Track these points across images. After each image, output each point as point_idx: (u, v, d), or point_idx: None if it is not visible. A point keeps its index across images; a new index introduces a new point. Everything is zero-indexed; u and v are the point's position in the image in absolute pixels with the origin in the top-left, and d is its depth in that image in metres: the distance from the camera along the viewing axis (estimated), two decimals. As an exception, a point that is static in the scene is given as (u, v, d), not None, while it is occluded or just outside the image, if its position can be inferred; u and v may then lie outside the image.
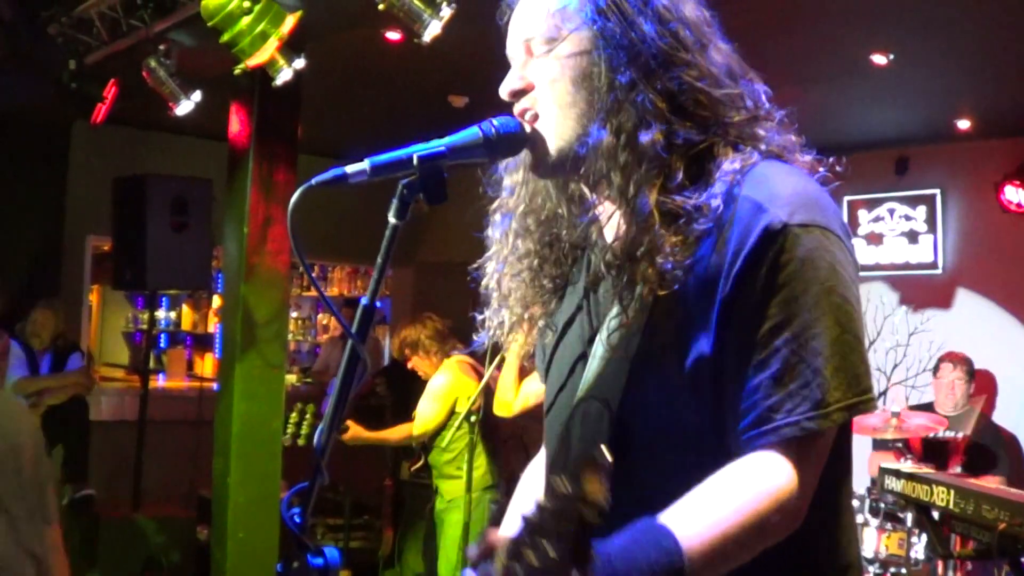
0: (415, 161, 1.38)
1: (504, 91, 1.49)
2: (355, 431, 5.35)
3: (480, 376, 5.31)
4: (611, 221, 1.48)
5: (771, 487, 1.29)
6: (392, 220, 1.38)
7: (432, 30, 3.98)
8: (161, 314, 10.09)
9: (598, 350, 1.47)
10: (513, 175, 1.60)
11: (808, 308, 1.31)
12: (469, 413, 4.99)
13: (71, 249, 8.02)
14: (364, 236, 5.50)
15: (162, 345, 10.27)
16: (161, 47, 4.96)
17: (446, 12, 3.96)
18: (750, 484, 1.29)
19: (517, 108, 1.48)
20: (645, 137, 1.38)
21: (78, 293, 8.18)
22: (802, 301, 1.31)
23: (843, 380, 1.31)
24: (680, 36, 1.41)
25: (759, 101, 1.48)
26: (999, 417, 6.42)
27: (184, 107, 5.06)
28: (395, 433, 5.52)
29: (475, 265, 1.66)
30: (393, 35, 5.20)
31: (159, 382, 8.84)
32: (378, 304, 1.42)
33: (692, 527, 1.24)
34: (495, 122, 1.45)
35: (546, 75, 1.44)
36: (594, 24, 1.41)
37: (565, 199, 1.56)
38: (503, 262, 1.61)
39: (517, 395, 4.84)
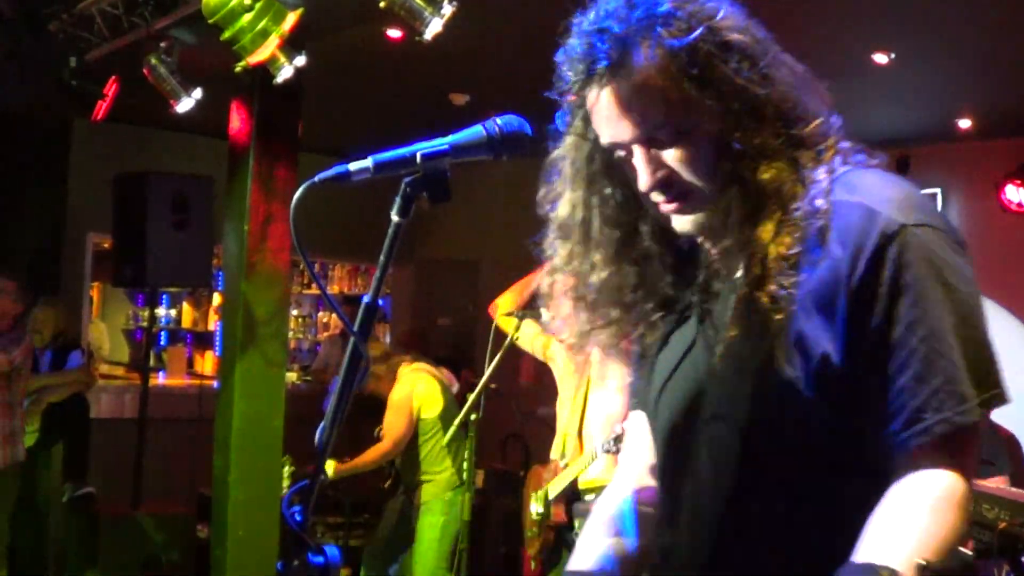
0: (419, 159, 1.38)
1: (648, 189, 1.47)
2: (332, 467, 5.28)
3: (438, 378, 5.35)
4: (720, 248, 1.49)
5: (951, 497, 1.31)
6: (395, 218, 1.38)
7: (433, 28, 3.98)
8: (161, 312, 10.09)
9: (717, 371, 1.47)
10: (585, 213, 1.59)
11: (936, 306, 1.33)
12: (469, 413, 4.98)
13: (72, 246, 8.02)
14: (364, 234, 5.53)
15: (162, 343, 10.27)
16: (162, 44, 4.95)
17: (447, 10, 3.95)
18: (935, 502, 1.31)
19: (659, 197, 1.47)
20: (767, 174, 1.41)
21: (78, 290, 8.18)
22: (931, 300, 1.33)
23: (976, 375, 1.34)
24: (769, 75, 1.43)
25: (830, 112, 1.51)
26: (998, 417, 6.42)
27: (185, 104, 5.05)
28: (369, 455, 5.44)
29: (554, 322, 1.68)
30: (394, 33, 5.20)
31: (159, 380, 8.84)
32: (379, 302, 1.42)
33: (906, 560, 1.26)
34: (499, 121, 1.44)
35: (681, 157, 1.44)
36: (710, 96, 1.40)
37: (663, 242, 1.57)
38: (593, 303, 1.61)
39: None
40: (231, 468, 5.18)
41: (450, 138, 1.42)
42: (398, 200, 1.39)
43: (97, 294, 9.68)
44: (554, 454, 4.61)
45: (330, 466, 5.27)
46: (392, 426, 5.37)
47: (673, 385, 1.56)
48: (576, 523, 4.45)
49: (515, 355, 4.91)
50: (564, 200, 1.59)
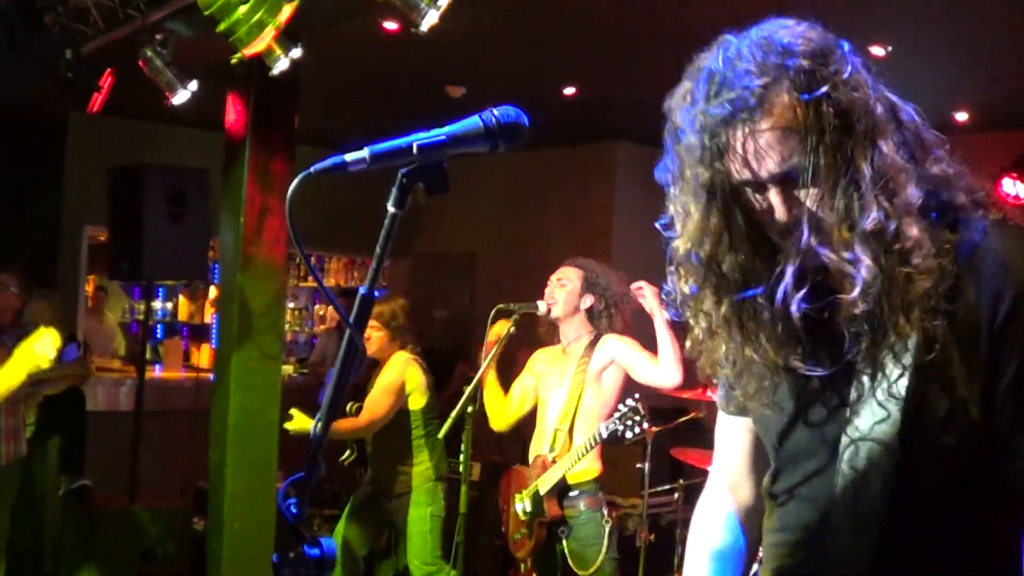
0: (415, 150, 1.37)
1: (784, 224, 1.47)
2: (299, 421, 5.09)
3: (427, 373, 5.31)
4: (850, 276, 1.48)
5: None
6: (391, 209, 1.37)
7: (429, 20, 3.97)
8: (158, 304, 10.10)
9: (862, 395, 1.50)
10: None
11: None
12: (466, 406, 4.98)
13: (68, 239, 8.01)
14: (361, 227, 5.53)
15: (158, 336, 10.27)
16: (157, 36, 4.94)
17: (443, 1, 3.94)
18: None
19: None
20: (878, 220, 1.42)
21: (74, 283, 8.18)
22: None
23: None
24: (876, 116, 1.49)
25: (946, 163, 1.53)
26: None
27: (181, 97, 5.04)
28: (343, 425, 5.24)
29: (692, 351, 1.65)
30: (390, 25, 5.19)
31: (155, 372, 8.83)
32: (375, 294, 1.42)
33: None
34: (495, 112, 1.43)
35: (816, 197, 1.44)
36: (832, 139, 1.42)
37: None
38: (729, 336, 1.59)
39: (508, 405, 4.82)
40: (227, 461, 5.18)
41: (446, 129, 1.41)
42: (394, 191, 1.38)
43: (92, 287, 9.66)
44: (539, 449, 4.61)
45: (300, 418, 5.08)
46: (377, 406, 5.22)
47: (800, 398, 1.58)
48: (567, 517, 4.45)
49: (511, 348, 4.90)
50: (695, 226, 1.55)
